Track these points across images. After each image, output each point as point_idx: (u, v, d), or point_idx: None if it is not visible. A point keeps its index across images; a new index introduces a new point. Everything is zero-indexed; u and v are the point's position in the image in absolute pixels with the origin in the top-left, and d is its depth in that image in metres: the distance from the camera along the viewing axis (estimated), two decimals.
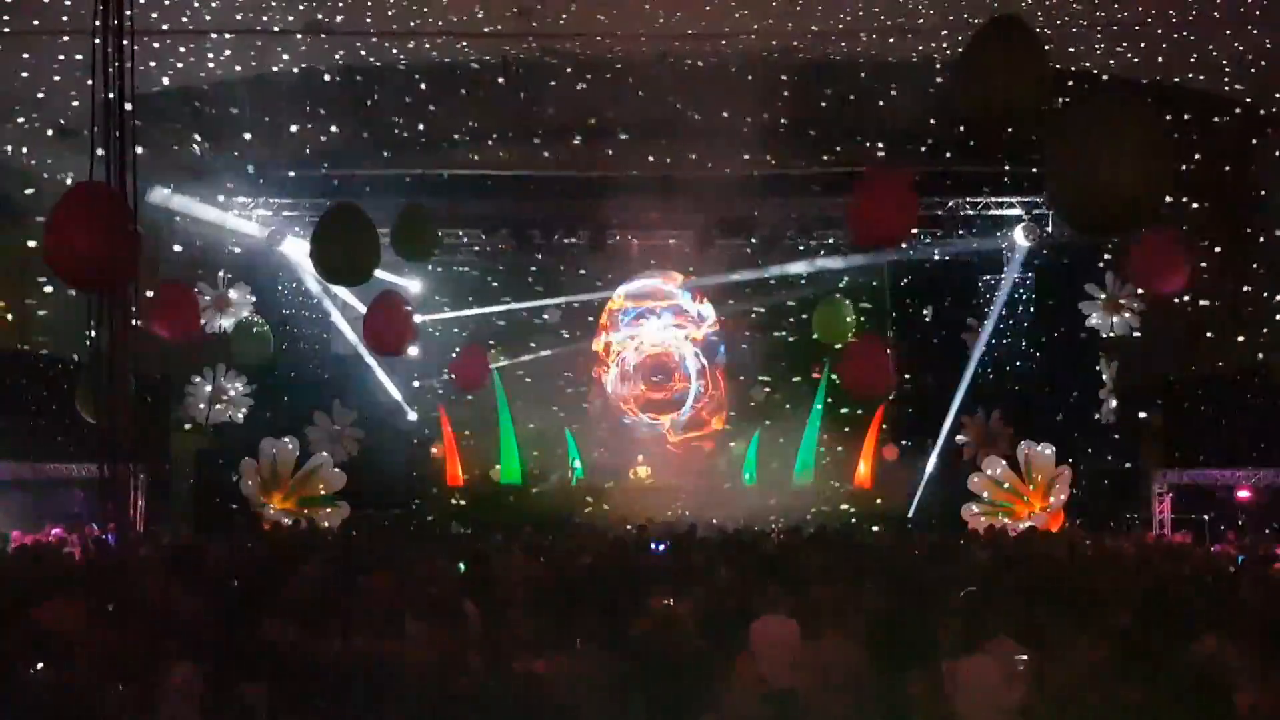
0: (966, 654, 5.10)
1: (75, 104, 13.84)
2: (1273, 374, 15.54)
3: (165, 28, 13.43)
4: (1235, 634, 5.48)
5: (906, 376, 18.48)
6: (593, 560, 9.22)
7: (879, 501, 18.69)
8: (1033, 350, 19.60)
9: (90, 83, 5.34)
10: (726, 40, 14.97)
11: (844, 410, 19.44)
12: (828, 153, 17.49)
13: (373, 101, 16.16)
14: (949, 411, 18.69)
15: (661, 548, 11.17)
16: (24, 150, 14.69)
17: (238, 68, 15.30)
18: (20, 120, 14.68)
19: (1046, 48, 6.89)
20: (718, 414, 20.48)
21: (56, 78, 13.81)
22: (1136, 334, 17.57)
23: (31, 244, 14.40)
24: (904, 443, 19.44)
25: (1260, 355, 16.19)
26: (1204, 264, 15.19)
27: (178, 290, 13.37)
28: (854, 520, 17.24)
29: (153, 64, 14.18)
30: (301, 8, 13.54)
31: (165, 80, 14.96)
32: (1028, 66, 6.65)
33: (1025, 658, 5.20)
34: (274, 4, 13.47)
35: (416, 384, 19.53)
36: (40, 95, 14.28)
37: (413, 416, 19.61)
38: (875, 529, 16.39)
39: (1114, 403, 17.73)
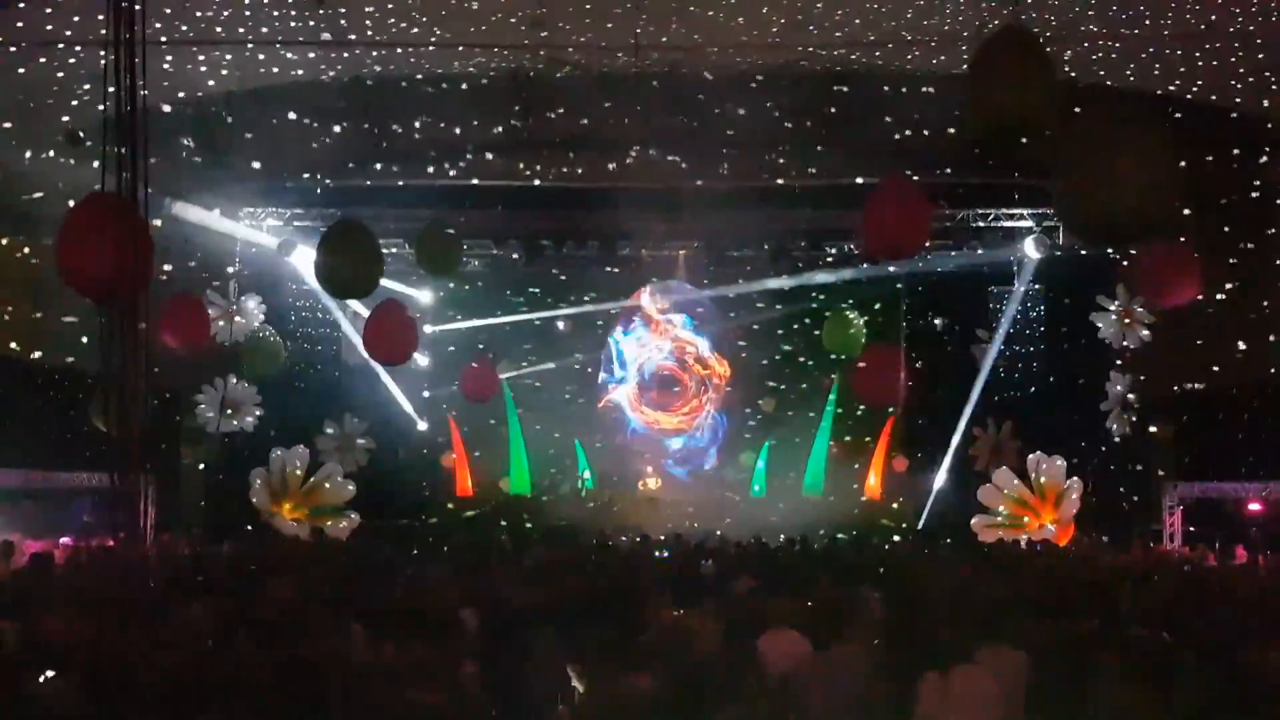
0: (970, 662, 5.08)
1: (87, 114, 13.90)
2: None
3: (177, 39, 13.49)
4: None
5: (915, 387, 18.50)
6: (601, 572, 9.20)
7: (889, 513, 18.64)
8: (1044, 362, 19.57)
9: (103, 93, 5.36)
10: (737, 52, 14.98)
11: (854, 422, 19.42)
12: (838, 164, 17.46)
13: (383, 112, 16.20)
14: (959, 423, 18.66)
15: (667, 555, 11.19)
16: (35, 160, 14.75)
17: (250, 78, 15.36)
18: (31, 129, 14.73)
19: (1054, 59, 6.89)
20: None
21: (67, 88, 13.87)
22: (1148, 345, 17.50)
23: (42, 254, 14.44)
24: (915, 454, 19.39)
25: (1268, 368, 16.11)
26: (1215, 277, 15.13)
27: (188, 301, 13.44)
28: (863, 531, 17.18)
29: (165, 74, 14.24)
30: (313, 19, 13.58)
31: (177, 90, 15.01)
32: (1035, 78, 6.66)
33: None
34: (286, 15, 13.52)
35: (426, 394, 19.53)
36: (51, 104, 14.34)
37: (423, 426, 19.63)
38: (896, 538, 16.40)
39: (1117, 411, 17.64)
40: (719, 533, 15.06)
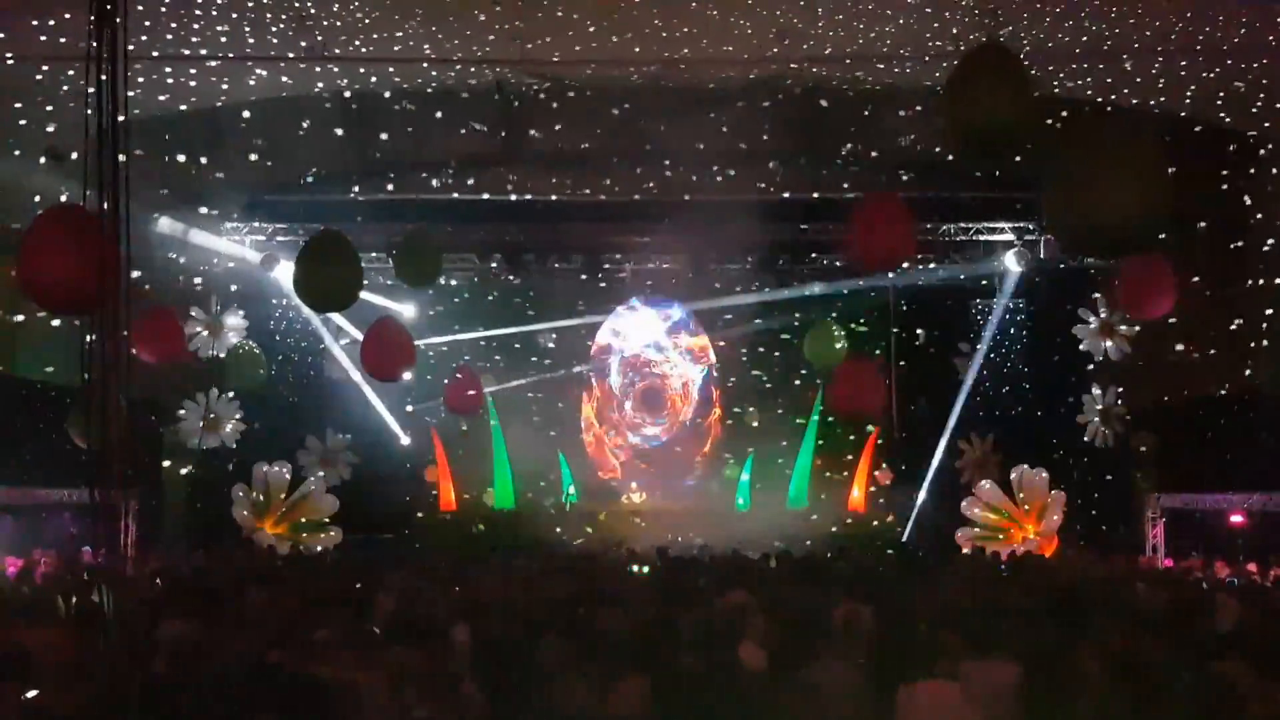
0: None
1: (65, 127, 13.84)
2: (1266, 398, 15.54)
3: (159, 53, 13.46)
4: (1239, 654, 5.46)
5: (899, 402, 18.61)
6: (581, 583, 9.17)
7: (873, 526, 18.65)
8: (1026, 374, 19.64)
9: (84, 107, 5.33)
10: (720, 66, 15.04)
11: (837, 435, 19.43)
12: (820, 177, 17.54)
13: (367, 126, 16.19)
14: (942, 436, 18.69)
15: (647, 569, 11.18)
16: (16, 172, 14.68)
17: (232, 92, 15.34)
18: (12, 142, 14.67)
19: (1033, 75, 6.96)
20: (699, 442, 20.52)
21: (48, 101, 13.82)
22: (1130, 357, 17.56)
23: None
24: (899, 467, 19.39)
25: (1249, 380, 16.19)
26: (1195, 289, 15.20)
27: (161, 314, 13.37)
28: (847, 544, 17.18)
29: (147, 88, 14.22)
30: (294, 33, 13.58)
31: (159, 104, 14.98)
32: (1012, 94, 6.71)
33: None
34: (269, 29, 13.52)
35: (410, 408, 19.47)
36: (34, 117, 14.28)
37: (406, 441, 19.55)
38: (890, 551, 16.43)
39: (1096, 423, 17.72)
40: (703, 545, 15.03)
